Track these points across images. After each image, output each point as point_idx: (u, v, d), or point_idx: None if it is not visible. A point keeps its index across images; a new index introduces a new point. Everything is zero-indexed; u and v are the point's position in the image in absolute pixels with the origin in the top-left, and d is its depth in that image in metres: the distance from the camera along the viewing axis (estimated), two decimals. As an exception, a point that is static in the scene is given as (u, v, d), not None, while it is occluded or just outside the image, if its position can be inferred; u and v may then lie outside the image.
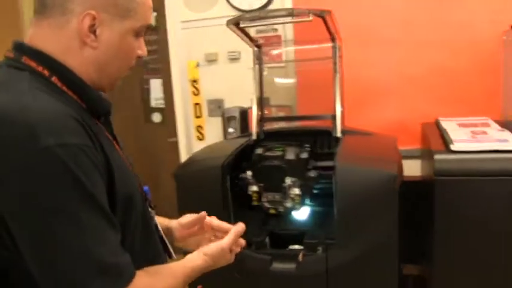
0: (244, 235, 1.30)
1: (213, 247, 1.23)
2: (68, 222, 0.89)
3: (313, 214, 2.18)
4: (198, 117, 3.19)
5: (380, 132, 2.45)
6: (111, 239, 0.95)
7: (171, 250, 1.32)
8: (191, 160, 2.24)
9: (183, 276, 1.12)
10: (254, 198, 2.09)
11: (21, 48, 1.04)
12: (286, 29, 2.93)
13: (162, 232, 1.30)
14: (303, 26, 2.58)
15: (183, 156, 3.22)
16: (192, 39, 3.08)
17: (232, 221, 2.03)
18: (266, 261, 2.00)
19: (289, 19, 2.12)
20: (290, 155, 2.04)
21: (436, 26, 2.66)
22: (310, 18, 2.00)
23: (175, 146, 3.33)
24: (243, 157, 2.20)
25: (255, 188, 2.07)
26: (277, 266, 2.00)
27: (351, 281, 1.93)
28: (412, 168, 2.52)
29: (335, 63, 2.34)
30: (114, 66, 1.09)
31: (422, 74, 2.72)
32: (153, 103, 3.59)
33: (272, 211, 2.08)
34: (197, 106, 3.18)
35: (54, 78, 1.01)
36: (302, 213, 2.14)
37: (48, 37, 1.04)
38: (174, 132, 3.33)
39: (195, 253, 1.21)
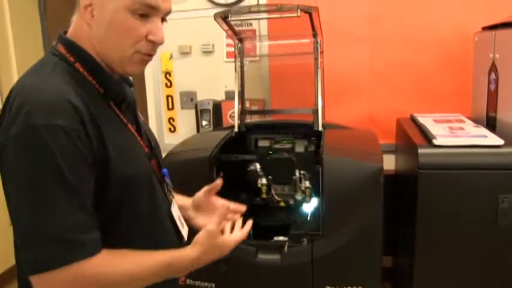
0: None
1: (200, 233, 1.23)
2: (33, 193, 0.98)
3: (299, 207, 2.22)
4: (170, 109, 3.17)
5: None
6: (75, 215, 1.00)
7: (183, 234, 1.33)
8: (176, 151, 2.23)
9: (155, 266, 1.12)
10: (264, 190, 2.10)
11: (59, 37, 1.17)
12: (260, 23, 2.95)
13: (176, 215, 1.32)
14: (277, 20, 2.61)
15: (154, 148, 3.19)
16: (165, 31, 3.05)
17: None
18: (251, 252, 2.02)
19: (277, 14, 2.14)
20: (299, 147, 2.07)
21: (404, 24, 2.75)
22: (299, 14, 2.03)
23: (145, 137, 3.29)
24: (225, 149, 2.22)
25: (264, 180, 2.08)
26: (262, 257, 2.03)
27: (335, 271, 1.99)
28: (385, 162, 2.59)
29: (316, 59, 2.38)
30: (113, 44, 1.12)
31: (392, 70, 2.81)
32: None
33: (282, 204, 2.10)
34: (169, 98, 3.16)
35: (77, 64, 1.12)
36: (308, 206, 2.17)
37: (74, 25, 1.16)
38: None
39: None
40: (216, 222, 1.22)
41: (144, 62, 1.17)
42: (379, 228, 1.93)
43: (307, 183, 2.06)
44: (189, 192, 2.03)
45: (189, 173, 2.06)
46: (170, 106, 3.17)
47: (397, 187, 2.44)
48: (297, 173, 2.06)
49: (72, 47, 1.14)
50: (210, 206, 1.45)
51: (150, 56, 1.16)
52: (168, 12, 1.17)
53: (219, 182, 1.44)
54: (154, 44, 1.15)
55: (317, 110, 2.31)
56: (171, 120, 3.19)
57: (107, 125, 1.09)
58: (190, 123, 3.12)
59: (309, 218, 2.13)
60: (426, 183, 1.90)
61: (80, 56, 1.13)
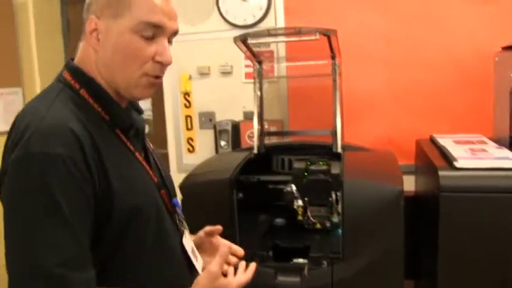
0: (248, 248, 1.30)
1: (202, 274, 1.20)
2: (24, 222, 0.96)
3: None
4: (189, 129, 3.19)
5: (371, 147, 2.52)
6: (67, 250, 0.96)
7: (197, 267, 1.30)
8: (197, 172, 2.24)
9: None
10: (299, 212, 2.11)
11: (66, 64, 1.18)
12: (278, 45, 2.97)
13: (188, 247, 1.29)
14: (295, 42, 2.63)
15: (173, 168, 3.23)
16: (184, 52, 3.09)
17: (237, 234, 2.05)
18: (270, 275, 2.01)
19: (295, 37, 2.16)
20: (335, 169, 2.07)
21: (422, 44, 2.74)
22: (317, 37, 2.05)
23: (164, 157, 3.31)
24: (244, 170, 2.23)
25: (300, 202, 2.09)
26: (282, 279, 2.01)
27: (356, 294, 1.97)
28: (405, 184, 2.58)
29: (335, 80, 2.39)
30: (120, 67, 1.11)
31: (410, 91, 2.79)
32: (141, 115, 3.57)
33: (318, 226, 2.10)
34: (188, 118, 3.18)
35: (82, 91, 1.13)
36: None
37: (80, 51, 1.17)
38: (163, 144, 3.32)
39: None
40: (218, 263, 1.18)
41: (152, 86, 1.16)
42: (400, 251, 1.92)
43: None
44: (209, 213, 2.06)
45: (209, 195, 2.08)
46: (189, 126, 3.19)
47: (417, 209, 2.42)
48: (333, 195, 2.06)
49: (77, 73, 1.14)
50: (211, 246, 1.41)
51: (157, 78, 1.15)
52: (175, 32, 1.16)
53: (219, 227, 1.41)
54: (162, 65, 1.14)
55: (336, 132, 2.32)
56: (190, 141, 3.20)
57: (112, 154, 1.07)
58: (208, 144, 3.13)
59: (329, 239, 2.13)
60: (447, 206, 1.88)
61: (84, 82, 1.13)
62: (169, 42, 1.16)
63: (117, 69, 1.12)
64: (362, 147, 2.44)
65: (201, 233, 1.43)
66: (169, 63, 1.14)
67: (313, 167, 2.12)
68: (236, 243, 1.42)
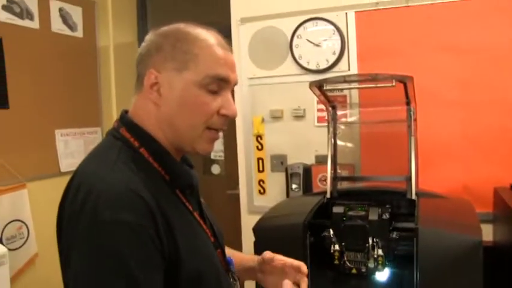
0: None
1: None
2: None
3: (391, 276, 2.17)
4: (260, 171, 3.24)
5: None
6: None
7: None
8: (270, 215, 2.27)
9: None
10: (336, 256, 2.10)
11: (122, 119, 1.15)
12: (351, 90, 2.98)
13: None
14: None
15: (244, 209, 3.26)
16: (257, 95, 3.17)
17: (309, 276, 2.04)
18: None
19: (371, 84, 2.17)
20: (373, 215, 2.06)
21: (497, 87, 2.67)
22: (394, 84, 2.05)
23: (234, 198, 3.37)
24: (317, 215, 2.23)
25: (337, 247, 2.08)
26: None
27: None
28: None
29: (410, 126, 2.37)
30: (184, 122, 1.09)
31: (486, 136, 2.71)
32: (213, 155, 3.67)
33: (354, 271, 2.08)
34: (260, 161, 3.23)
35: (142, 150, 1.09)
36: (381, 275, 2.13)
37: (137, 106, 1.14)
38: (233, 185, 3.38)
39: None
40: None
41: (213, 140, 1.14)
42: (479, 304, 1.85)
43: (380, 252, 2.03)
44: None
45: (282, 239, 2.09)
46: (261, 168, 3.24)
47: (496, 259, 2.32)
48: (370, 241, 2.04)
49: (136, 130, 1.10)
50: (274, 266, 1.40)
51: (219, 131, 1.14)
52: (236, 83, 1.15)
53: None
54: (227, 118, 1.13)
55: (410, 178, 2.29)
56: (261, 182, 3.24)
57: (176, 218, 1.05)
58: (279, 186, 3.16)
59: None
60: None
61: (144, 140, 1.10)
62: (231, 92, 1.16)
63: (182, 124, 1.09)
64: (437, 194, 2.40)
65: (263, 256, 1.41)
66: (234, 117, 1.14)
67: (351, 213, 2.11)
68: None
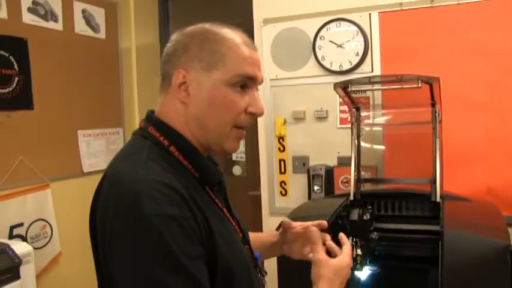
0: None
1: (312, 268, 1.22)
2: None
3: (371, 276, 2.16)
4: (282, 173, 3.23)
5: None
6: None
7: None
8: (293, 217, 2.26)
9: None
10: None
11: (149, 118, 1.16)
12: (374, 92, 2.96)
13: None
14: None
15: (265, 211, 3.26)
16: (280, 97, 3.16)
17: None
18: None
19: (397, 85, 2.15)
20: (353, 216, 2.05)
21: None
22: (420, 85, 2.03)
23: (256, 199, 3.37)
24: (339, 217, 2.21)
25: None
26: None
27: None
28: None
29: (435, 128, 2.35)
30: (213, 120, 1.10)
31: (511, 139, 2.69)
32: (235, 156, 3.68)
33: None
34: (282, 162, 3.22)
35: (172, 148, 1.10)
36: (360, 274, 2.12)
37: (164, 105, 1.15)
38: (255, 186, 3.38)
39: None
40: (317, 250, 1.23)
41: (240, 138, 1.15)
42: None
43: (359, 251, 2.01)
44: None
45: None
46: (282, 170, 3.23)
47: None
48: (350, 241, 2.02)
49: (164, 129, 1.11)
50: (296, 232, 1.42)
51: (245, 129, 1.15)
52: (262, 81, 1.16)
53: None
54: (254, 116, 1.15)
55: (435, 180, 2.26)
56: (283, 184, 3.23)
57: (209, 212, 1.06)
58: (301, 188, 3.15)
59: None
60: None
61: (173, 138, 1.10)
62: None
63: (210, 123, 1.10)
64: (461, 197, 2.36)
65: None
66: (262, 114, 1.15)
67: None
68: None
